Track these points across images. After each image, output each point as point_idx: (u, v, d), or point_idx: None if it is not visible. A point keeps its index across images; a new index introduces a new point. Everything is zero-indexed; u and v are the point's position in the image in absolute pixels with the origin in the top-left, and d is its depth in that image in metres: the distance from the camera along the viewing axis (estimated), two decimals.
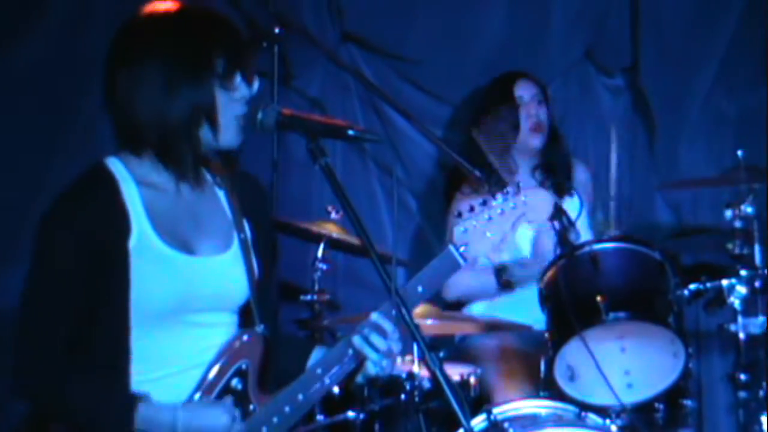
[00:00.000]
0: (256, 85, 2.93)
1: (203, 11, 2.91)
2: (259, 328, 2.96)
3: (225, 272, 2.93)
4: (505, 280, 4.60)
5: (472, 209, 2.90)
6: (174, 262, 2.84)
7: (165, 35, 2.85)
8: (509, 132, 4.79)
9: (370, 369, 2.88)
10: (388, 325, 2.83)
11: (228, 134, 2.89)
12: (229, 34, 2.90)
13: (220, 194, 3.01)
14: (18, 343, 2.80)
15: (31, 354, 2.79)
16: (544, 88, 4.93)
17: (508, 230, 2.90)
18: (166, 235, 2.85)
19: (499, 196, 2.90)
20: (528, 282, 4.41)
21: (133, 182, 2.86)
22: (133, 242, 2.81)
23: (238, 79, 2.88)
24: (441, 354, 3.90)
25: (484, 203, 2.91)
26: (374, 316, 2.84)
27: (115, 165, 2.88)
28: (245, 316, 2.99)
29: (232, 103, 2.88)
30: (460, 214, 2.92)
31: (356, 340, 2.85)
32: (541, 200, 2.94)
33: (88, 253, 2.77)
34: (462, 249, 2.88)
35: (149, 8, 2.91)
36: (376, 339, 2.83)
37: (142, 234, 2.82)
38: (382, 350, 2.84)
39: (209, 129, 2.86)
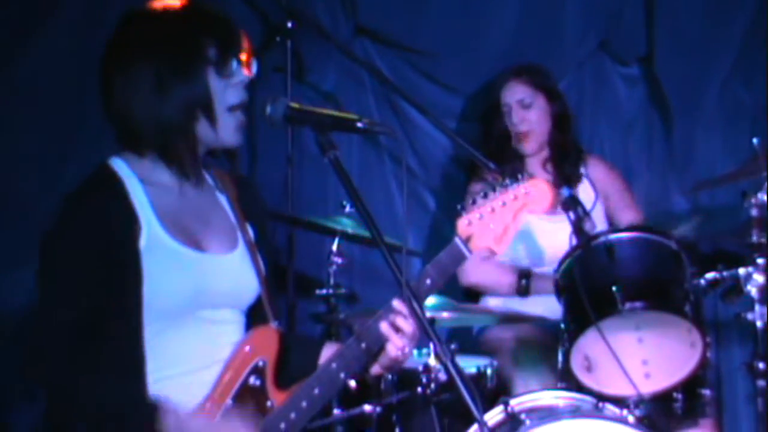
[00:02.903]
0: (254, 68, 2.93)
1: (189, 5, 2.91)
2: (274, 324, 2.97)
3: (235, 270, 2.94)
4: (523, 285, 4.59)
5: (474, 202, 2.93)
6: (185, 258, 2.84)
7: (154, 35, 2.86)
8: (502, 136, 4.79)
9: (391, 355, 2.87)
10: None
11: (226, 127, 2.89)
12: (218, 20, 2.90)
13: (222, 198, 3.03)
14: (34, 338, 2.80)
15: (46, 347, 2.77)
16: (543, 85, 4.84)
17: (510, 221, 2.93)
18: (175, 232, 2.85)
19: (501, 188, 2.93)
20: (544, 295, 4.39)
21: (137, 181, 2.87)
22: (143, 240, 2.81)
23: (234, 64, 2.88)
24: (454, 346, 3.88)
25: (485, 196, 2.94)
26: (395, 302, 2.85)
27: (119, 165, 2.89)
28: (255, 316, 3.00)
29: (229, 89, 2.88)
30: (463, 208, 2.94)
31: (383, 326, 2.85)
32: (542, 191, 2.95)
33: (99, 253, 2.77)
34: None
35: (137, 9, 2.92)
36: (401, 322, 2.85)
37: (151, 231, 2.83)
38: (408, 333, 2.85)
39: (207, 122, 2.86)
